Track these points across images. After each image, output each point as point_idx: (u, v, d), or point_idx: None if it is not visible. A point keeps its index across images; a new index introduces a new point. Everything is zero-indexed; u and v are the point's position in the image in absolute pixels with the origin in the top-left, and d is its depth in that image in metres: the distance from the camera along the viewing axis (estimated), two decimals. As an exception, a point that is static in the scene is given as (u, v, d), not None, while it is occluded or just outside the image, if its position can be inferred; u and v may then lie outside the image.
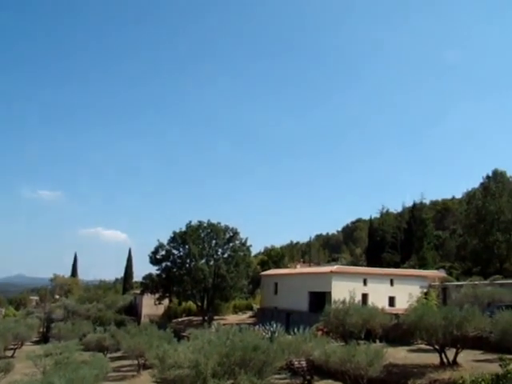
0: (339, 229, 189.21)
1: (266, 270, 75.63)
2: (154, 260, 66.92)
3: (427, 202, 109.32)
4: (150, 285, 67.44)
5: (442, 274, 62.82)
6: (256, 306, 72.40)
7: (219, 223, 68.26)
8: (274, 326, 37.21)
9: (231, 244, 67.95)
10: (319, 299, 52.38)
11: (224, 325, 38.19)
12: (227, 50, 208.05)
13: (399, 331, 31.69)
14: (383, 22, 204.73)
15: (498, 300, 38.82)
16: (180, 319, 73.19)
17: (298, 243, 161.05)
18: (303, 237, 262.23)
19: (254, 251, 79.13)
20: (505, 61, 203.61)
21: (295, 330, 30.67)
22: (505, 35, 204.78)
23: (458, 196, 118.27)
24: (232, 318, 67.06)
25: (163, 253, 66.77)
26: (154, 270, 67.83)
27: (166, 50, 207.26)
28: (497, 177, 72.92)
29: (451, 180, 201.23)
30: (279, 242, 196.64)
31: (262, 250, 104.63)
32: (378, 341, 33.28)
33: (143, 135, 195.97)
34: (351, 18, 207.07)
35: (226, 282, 64.12)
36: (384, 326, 34.37)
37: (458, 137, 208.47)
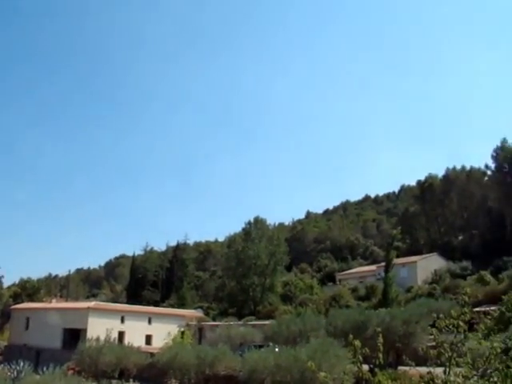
0: (102, 264, 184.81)
1: (19, 303, 70.59)
2: None
3: (191, 242, 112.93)
4: None
5: (199, 313, 64.45)
6: (3, 343, 66.92)
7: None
8: (22, 364, 34.70)
9: (-21, 274, 62.37)
10: (74, 336, 50.30)
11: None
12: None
13: (154, 370, 31.64)
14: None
15: (250, 340, 40.91)
16: None
17: (56, 276, 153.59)
18: (63, 270, 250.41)
19: (6, 283, 73.70)
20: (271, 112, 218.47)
21: (44, 369, 28.91)
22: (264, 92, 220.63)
23: (221, 239, 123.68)
24: (-27, 356, 61.06)
25: None
26: None
27: None
28: (257, 223, 77.42)
29: (216, 222, 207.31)
30: (37, 274, 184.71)
31: (17, 282, 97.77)
32: (132, 380, 32.84)
33: None
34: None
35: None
36: (138, 366, 34.07)
37: (224, 181, 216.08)
